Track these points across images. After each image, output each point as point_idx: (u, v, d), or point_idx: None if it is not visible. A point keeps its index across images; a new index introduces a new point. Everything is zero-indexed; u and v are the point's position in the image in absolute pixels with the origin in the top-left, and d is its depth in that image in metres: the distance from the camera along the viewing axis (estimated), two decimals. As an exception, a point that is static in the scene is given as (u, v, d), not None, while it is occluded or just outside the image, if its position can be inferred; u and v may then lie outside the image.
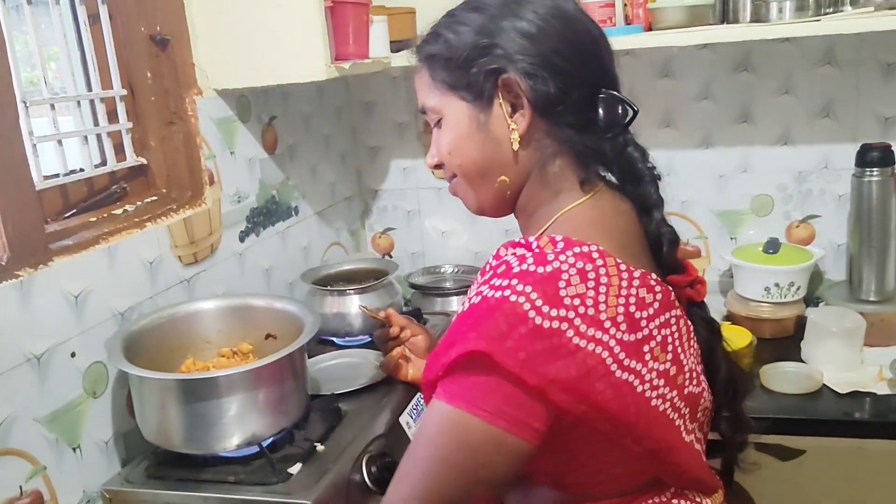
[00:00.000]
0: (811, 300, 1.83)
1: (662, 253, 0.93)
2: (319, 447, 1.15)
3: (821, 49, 1.75)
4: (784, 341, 1.69)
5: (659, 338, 0.85)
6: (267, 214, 1.67)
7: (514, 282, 0.79)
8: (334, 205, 1.99)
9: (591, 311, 0.79)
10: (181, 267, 1.39)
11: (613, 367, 0.80)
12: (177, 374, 1.20)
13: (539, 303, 0.77)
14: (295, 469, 1.10)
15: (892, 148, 1.62)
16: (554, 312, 0.77)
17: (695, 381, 0.91)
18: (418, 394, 1.34)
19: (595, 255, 0.83)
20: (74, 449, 1.14)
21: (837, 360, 1.53)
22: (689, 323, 0.93)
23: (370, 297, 1.58)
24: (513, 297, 0.78)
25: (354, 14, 1.50)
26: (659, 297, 0.86)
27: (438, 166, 0.98)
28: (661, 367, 0.85)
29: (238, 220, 1.57)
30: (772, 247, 1.76)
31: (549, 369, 0.77)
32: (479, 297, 0.80)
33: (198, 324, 1.31)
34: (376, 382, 1.34)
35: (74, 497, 1.13)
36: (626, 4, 1.70)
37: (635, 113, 0.92)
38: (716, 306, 1.01)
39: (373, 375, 1.37)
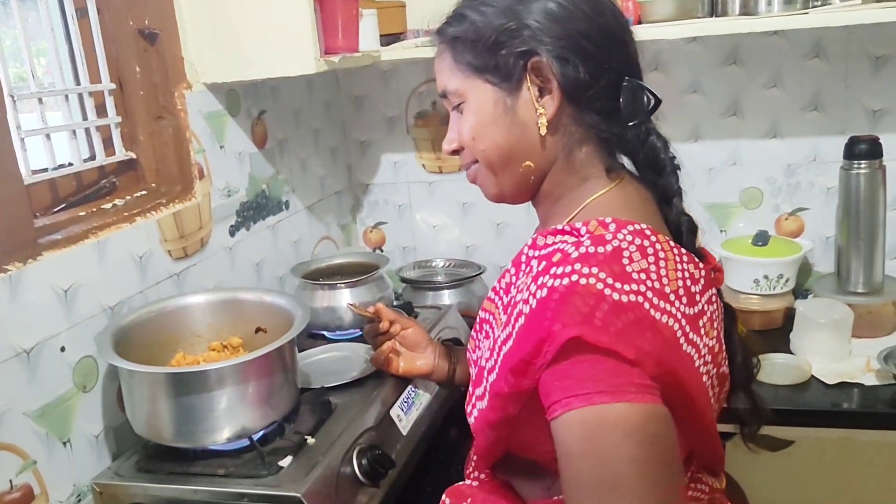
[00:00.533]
0: (800, 292, 1.84)
1: (682, 241, 0.92)
2: (310, 440, 1.15)
3: (809, 42, 1.75)
4: (773, 333, 1.70)
5: (708, 313, 0.86)
6: (257, 209, 1.67)
7: (578, 266, 0.78)
8: (325, 199, 1.99)
9: (657, 285, 0.79)
10: (171, 261, 1.39)
11: (682, 340, 0.80)
12: (167, 368, 1.20)
13: (610, 280, 0.77)
14: (285, 462, 1.10)
15: (880, 140, 1.62)
16: (627, 287, 0.77)
17: (726, 363, 0.92)
18: (409, 386, 1.34)
19: (648, 231, 0.83)
20: (65, 443, 1.14)
21: (826, 352, 1.54)
22: (722, 304, 0.94)
23: (360, 291, 1.58)
24: (582, 280, 0.77)
25: (344, 7, 1.50)
26: (703, 273, 0.87)
27: (456, 152, 0.96)
28: (710, 344, 0.85)
29: (228, 214, 1.57)
30: (761, 239, 1.76)
31: (640, 342, 0.76)
32: (546, 290, 0.78)
33: (188, 318, 1.30)
34: (367, 376, 1.35)
35: (65, 491, 1.14)
36: (615, -2, 1.70)
37: (658, 102, 0.91)
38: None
39: (363, 369, 1.37)
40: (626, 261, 0.79)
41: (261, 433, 1.15)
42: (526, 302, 0.82)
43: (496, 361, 0.88)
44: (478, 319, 1.01)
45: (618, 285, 0.77)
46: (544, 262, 0.82)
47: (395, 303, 1.67)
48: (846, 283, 1.69)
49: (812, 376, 1.51)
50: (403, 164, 2.10)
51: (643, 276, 0.79)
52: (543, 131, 0.88)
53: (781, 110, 1.81)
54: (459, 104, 0.93)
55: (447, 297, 1.85)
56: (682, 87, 1.85)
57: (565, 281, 0.77)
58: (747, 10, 1.57)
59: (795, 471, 1.72)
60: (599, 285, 0.76)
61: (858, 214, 1.64)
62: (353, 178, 2.14)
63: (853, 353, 1.56)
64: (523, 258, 0.91)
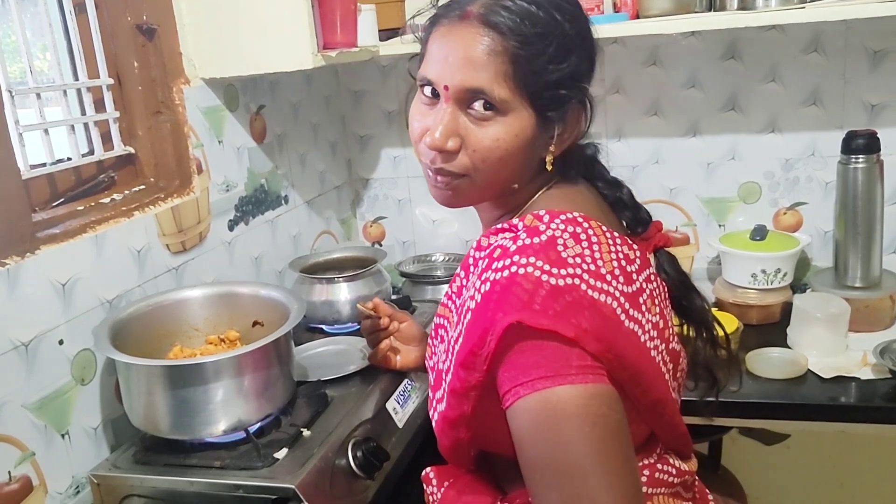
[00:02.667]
0: (798, 286, 1.84)
1: (627, 206, 0.97)
2: (305, 432, 1.16)
3: (807, 37, 1.75)
4: (770, 327, 1.70)
5: (647, 291, 0.88)
6: (256, 203, 1.68)
7: (516, 258, 0.81)
8: (324, 193, 1.99)
9: (592, 267, 0.82)
10: (169, 255, 1.40)
11: (622, 316, 0.83)
12: (164, 361, 1.21)
13: (547, 267, 0.79)
14: (281, 454, 1.11)
15: (878, 135, 1.62)
16: (563, 272, 0.80)
17: (675, 339, 0.94)
18: (405, 380, 1.35)
19: (580, 219, 0.86)
20: (63, 435, 1.15)
21: (822, 346, 1.55)
22: (664, 283, 0.96)
23: (358, 285, 1.59)
24: (521, 270, 0.79)
25: (342, 2, 1.50)
26: (638, 254, 0.90)
27: (447, 151, 0.87)
28: (654, 320, 0.87)
29: (227, 208, 1.58)
30: (759, 234, 1.76)
31: (579, 320, 0.78)
32: (488, 284, 0.81)
33: (185, 311, 1.31)
34: (364, 369, 1.35)
35: (63, 483, 1.15)
36: (613, -8, 1.71)
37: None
38: (704, 293, 1.03)
39: (360, 362, 1.38)
40: (560, 248, 0.82)
41: (257, 425, 1.16)
42: (472, 298, 0.84)
43: (451, 362, 0.89)
44: (433, 326, 1.02)
45: (554, 271, 0.79)
46: (486, 260, 0.85)
47: (392, 297, 1.68)
48: (844, 278, 1.69)
49: (808, 370, 1.51)
50: (403, 158, 2.10)
51: (578, 259, 0.82)
52: (549, 167, 0.91)
53: (780, 105, 1.81)
54: (493, 114, 0.85)
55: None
56: (681, 82, 1.85)
57: (505, 273, 0.80)
58: (745, 4, 1.57)
59: (792, 464, 1.73)
60: (537, 273, 0.79)
61: (856, 209, 1.64)
62: (352, 173, 2.15)
63: (850, 348, 1.56)
64: (471, 260, 0.92)
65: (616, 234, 0.88)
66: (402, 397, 1.32)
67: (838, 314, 1.55)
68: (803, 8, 1.48)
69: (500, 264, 0.81)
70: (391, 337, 1.31)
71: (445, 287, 1.84)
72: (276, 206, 1.76)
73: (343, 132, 2.10)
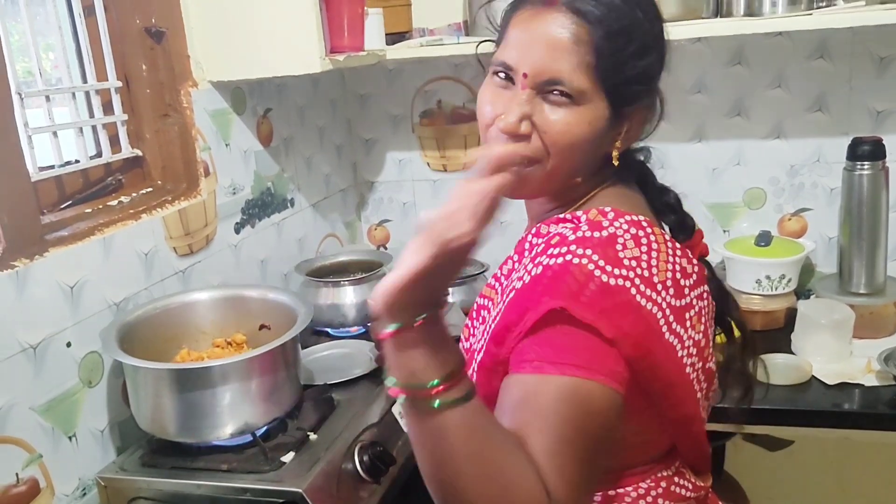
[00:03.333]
0: (802, 293, 1.84)
1: (675, 211, 0.97)
2: (312, 436, 1.17)
3: (813, 43, 1.75)
4: (774, 333, 1.70)
5: (697, 308, 0.88)
6: (262, 206, 1.68)
7: (574, 247, 0.81)
8: (329, 197, 2.00)
9: (646, 273, 0.82)
10: (176, 258, 1.40)
11: (664, 328, 0.83)
12: (171, 364, 1.21)
13: (602, 263, 0.80)
14: (287, 458, 1.11)
15: (883, 142, 1.62)
16: (617, 272, 0.80)
17: (712, 359, 0.94)
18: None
19: (644, 223, 0.86)
20: (70, 437, 1.15)
21: (827, 352, 1.55)
22: (714, 302, 0.95)
23: (364, 288, 1.59)
24: (575, 260, 0.80)
25: (349, 6, 1.51)
26: (696, 269, 0.89)
27: (520, 134, 0.85)
28: (696, 337, 0.87)
29: (233, 211, 1.58)
30: (763, 239, 1.77)
31: (622, 322, 0.78)
32: (541, 267, 0.82)
33: (192, 314, 1.32)
34: (370, 372, 1.36)
35: (70, 485, 1.15)
36: (620, -2, 1.71)
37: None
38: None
39: (366, 366, 1.38)
40: (619, 247, 0.82)
41: (263, 429, 1.16)
42: (520, 279, 0.85)
43: (484, 340, 0.90)
44: (474, 307, 1.02)
45: (608, 268, 0.80)
46: (543, 245, 0.86)
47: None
48: (848, 284, 1.69)
49: (812, 377, 1.51)
50: (408, 162, 2.10)
51: (633, 263, 0.82)
52: (616, 162, 0.91)
53: (785, 111, 1.82)
54: (569, 101, 0.84)
55: (449, 295, 1.86)
56: (687, 87, 1.86)
57: (559, 260, 0.81)
58: (752, 10, 1.57)
59: (795, 471, 1.73)
60: (591, 266, 0.79)
61: (861, 215, 1.64)
62: (358, 176, 2.15)
63: (854, 354, 1.56)
64: (526, 245, 0.93)
65: (678, 245, 0.88)
66: (407, 401, 1.32)
67: (843, 320, 1.55)
68: (810, 15, 1.48)
69: (556, 251, 0.82)
70: None
71: (449, 290, 1.86)
72: (281, 209, 1.76)
73: (349, 135, 2.11)
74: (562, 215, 0.91)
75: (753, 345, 1.05)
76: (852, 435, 1.48)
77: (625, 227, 0.85)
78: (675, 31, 1.50)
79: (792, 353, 1.59)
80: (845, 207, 1.67)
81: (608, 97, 0.85)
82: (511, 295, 0.85)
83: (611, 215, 0.86)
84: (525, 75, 0.84)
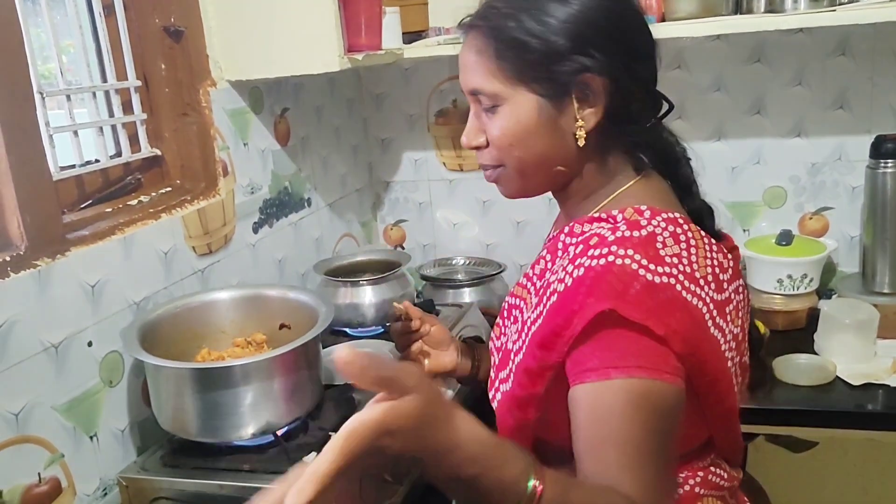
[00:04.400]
0: (824, 292, 1.82)
1: (703, 224, 0.95)
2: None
3: (835, 40, 1.74)
4: (797, 333, 1.68)
5: (734, 302, 0.89)
6: (280, 206, 1.68)
7: (615, 248, 0.82)
8: (346, 196, 1.99)
9: (688, 269, 0.83)
10: (195, 257, 1.40)
11: (709, 322, 0.84)
12: (193, 364, 1.21)
13: (644, 262, 0.80)
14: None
15: (907, 139, 1.61)
16: (660, 269, 0.81)
17: (747, 353, 0.95)
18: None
19: (681, 220, 0.87)
20: (91, 437, 1.15)
21: (850, 352, 1.53)
22: (749, 295, 0.96)
23: (383, 288, 1.58)
24: (618, 261, 0.80)
25: (367, 5, 1.50)
26: (731, 264, 0.90)
27: (477, 147, 0.95)
28: (735, 331, 0.88)
29: (251, 211, 1.58)
30: (784, 238, 1.75)
31: (670, 320, 0.79)
32: (582, 269, 0.82)
33: (212, 314, 1.31)
34: (389, 373, 1.35)
35: (91, 484, 1.15)
36: (638, -5, 1.70)
37: (671, 107, 0.97)
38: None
39: (386, 366, 1.37)
40: (659, 245, 0.83)
41: (285, 429, 1.16)
42: (561, 281, 0.85)
43: (524, 342, 0.90)
44: (506, 306, 1.03)
45: (651, 266, 0.80)
46: (581, 246, 0.86)
47: (416, 301, 1.67)
48: (871, 283, 1.67)
49: (836, 377, 1.49)
50: (424, 161, 2.10)
51: (675, 259, 0.83)
52: (582, 143, 0.90)
53: (806, 109, 1.80)
54: (494, 106, 0.91)
55: (468, 295, 1.85)
56: (706, 85, 1.84)
57: (602, 261, 0.81)
58: (773, 7, 1.55)
59: (819, 472, 1.71)
60: (634, 265, 0.80)
61: (885, 214, 1.62)
62: (373, 176, 2.14)
63: (878, 354, 1.55)
64: (560, 245, 0.93)
65: (713, 240, 0.89)
66: (428, 401, 1.31)
67: (867, 320, 1.53)
68: (833, 11, 1.46)
69: (598, 252, 0.82)
70: (421, 340, 1.30)
71: (467, 290, 1.86)
72: (299, 209, 1.76)
73: (365, 135, 2.10)
74: (595, 213, 0.92)
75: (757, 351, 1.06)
76: (877, 436, 1.46)
77: (663, 224, 0.85)
78: (693, 29, 1.53)
79: (815, 353, 1.58)
80: (869, 206, 1.65)
81: (529, 87, 0.88)
82: (553, 298, 0.85)
83: (647, 213, 0.87)
84: (465, 93, 0.94)
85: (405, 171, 2.12)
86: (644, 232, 0.84)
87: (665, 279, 0.80)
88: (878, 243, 1.64)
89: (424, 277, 1.94)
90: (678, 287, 0.81)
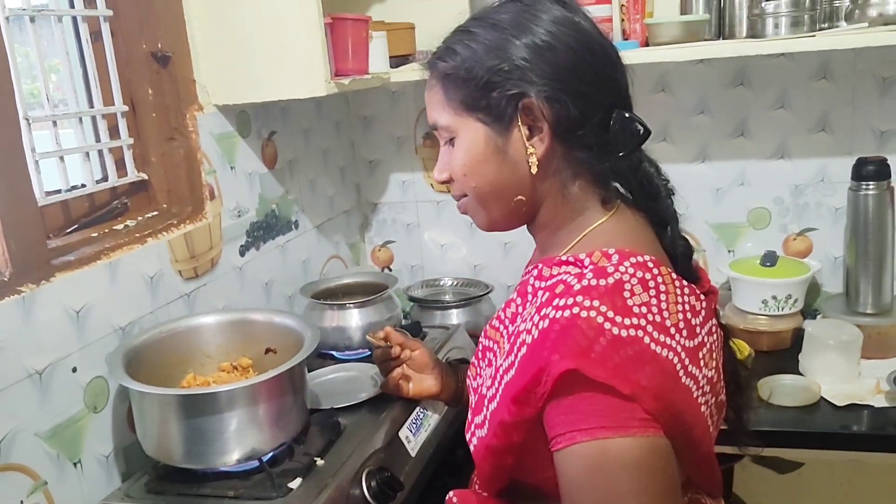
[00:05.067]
0: (809, 313, 1.84)
1: (678, 265, 0.93)
2: (319, 461, 1.16)
3: (816, 64, 1.76)
4: (782, 354, 1.69)
5: (708, 345, 0.87)
6: (267, 228, 1.68)
7: (580, 298, 0.79)
8: (333, 218, 2.00)
9: (658, 318, 0.80)
10: (182, 281, 1.40)
11: (681, 373, 0.81)
12: (177, 390, 1.20)
13: (611, 314, 0.78)
14: (295, 484, 1.10)
15: (888, 161, 1.63)
16: (627, 321, 0.78)
17: (723, 392, 0.93)
18: (417, 408, 1.34)
19: (650, 264, 0.84)
20: (75, 464, 1.14)
21: (835, 373, 1.54)
22: (722, 332, 0.94)
23: (369, 311, 1.58)
24: (583, 313, 0.78)
25: (354, 30, 1.52)
26: (704, 304, 0.88)
27: (447, 181, 0.97)
28: (709, 374, 0.86)
29: (238, 234, 1.58)
30: (769, 259, 1.76)
31: (639, 376, 0.77)
32: (548, 321, 0.80)
33: (198, 338, 1.31)
34: (376, 396, 1.35)
35: (75, 512, 1.14)
36: (623, 19, 1.72)
37: (648, 133, 0.91)
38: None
39: (372, 389, 1.37)
40: (627, 294, 0.80)
41: (270, 455, 1.15)
42: (529, 332, 0.83)
43: (497, 390, 0.89)
44: (480, 347, 1.02)
45: (618, 319, 0.78)
46: (548, 293, 0.84)
47: (403, 323, 1.67)
48: (855, 304, 1.69)
49: (821, 398, 1.50)
50: (411, 183, 2.11)
51: (644, 309, 0.80)
52: (535, 170, 0.89)
53: (789, 131, 1.82)
54: (451, 139, 0.93)
55: (455, 317, 1.86)
56: (689, 109, 1.86)
57: (567, 313, 0.79)
58: (754, 32, 1.58)
59: (805, 493, 1.72)
60: (600, 318, 0.78)
61: (867, 235, 1.64)
62: (361, 198, 2.15)
63: (862, 375, 1.56)
64: (529, 288, 0.92)
65: (685, 283, 0.87)
66: (414, 425, 1.31)
67: (851, 341, 1.55)
68: (813, 37, 1.49)
69: (563, 302, 0.80)
70: (403, 365, 1.31)
71: (454, 311, 1.87)
72: (286, 231, 1.76)
73: (352, 157, 2.11)
74: (563, 256, 0.89)
75: (741, 389, 1.03)
76: (862, 457, 1.47)
77: (631, 270, 0.83)
78: (676, 53, 1.55)
79: (800, 373, 1.59)
80: (851, 227, 1.67)
81: (476, 117, 0.90)
82: (523, 350, 0.83)
83: (615, 258, 0.84)
84: (433, 130, 0.97)
85: (393, 193, 2.13)
86: (611, 280, 0.81)
87: (633, 332, 0.78)
88: (861, 264, 1.66)
89: (412, 299, 1.94)
90: (646, 339, 0.78)
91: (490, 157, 0.90)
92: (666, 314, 0.81)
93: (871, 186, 1.62)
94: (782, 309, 1.71)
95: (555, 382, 0.78)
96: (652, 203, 0.95)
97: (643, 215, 0.95)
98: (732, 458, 1.64)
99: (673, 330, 0.81)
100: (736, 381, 1.02)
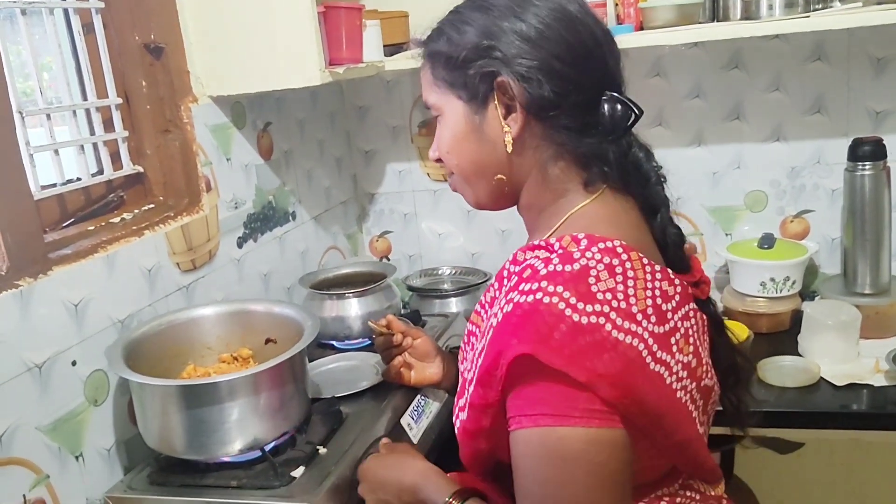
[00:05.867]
0: (807, 294, 1.84)
1: (669, 253, 0.93)
2: (321, 450, 1.16)
3: (811, 45, 1.76)
4: (780, 335, 1.70)
5: (682, 330, 0.86)
6: (264, 220, 1.68)
7: (545, 283, 0.79)
8: (331, 209, 1.99)
9: (623, 305, 0.80)
10: (180, 274, 1.39)
11: (648, 359, 0.81)
12: (178, 381, 1.20)
13: (573, 300, 0.78)
14: (297, 472, 1.10)
15: (884, 142, 1.63)
16: (589, 308, 0.78)
17: (709, 374, 0.92)
18: (419, 395, 1.35)
19: (619, 249, 0.84)
20: (77, 457, 1.14)
21: (834, 353, 1.54)
22: (704, 316, 0.93)
23: (369, 300, 1.58)
24: (546, 299, 0.78)
25: (348, 19, 1.51)
26: (679, 290, 0.87)
27: (438, 160, 0.99)
28: (685, 360, 0.85)
29: (235, 226, 1.58)
30: (766, 242, 1.77)
31: (596, 364, 0.77)
32: (511, 305, 0.81)
33: (197, 330, 1.31)
34: (377, 385, 1.35)
35: (78, 505, 1.14)
36: (617, 4, 1.71)
37: (638, 115, 0.90)
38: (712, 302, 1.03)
39: (373, 378, 1.37)
40: (592, 280, 0.80)
41: (272, 444, 1.15)
42: (495, 315, 0.84)
43: (474, 374, 0.90)
44: (466, 332, 1.03)
45: (580, 306, 0.78)
46: (516, 278, 0.85)
47: (402, 311, 1.67)
48: (853, 285, 1.69)
49: (821, 378, 1.51)
50: (408, 172, 2.10)
51: (609, 296, 0.80)
52: (510, 149, 0.90)
53: (784, 113, 1.82)
54: (438, 117, 0.96)
55: (454, 305, 1.86)
56: (684, 92, 1.86)
57: (530, 298, 0.79)
58: (749, 14, 1.57)
59: (805, 472, 1.72)
60: (562, 305, 0.78)
61: (864, 216, 1.64)
62: (358, 188, 2.15)
63: (861, 355, 1.56)
64: (505, 273, 0.92)
65: (658, 267, 0.86)
66: (416, 412, 1.32)
67: (849, 321, 1.55)
68: (807, 17, 1.49)
69: (528, 287, 0.80)
70: (405, 353, 1.31)
71: (453, 300, 1.87)
72: (283, 223, 1.76)
73: (348, 147, 2.11)
74: (537, 241, 0.89)
75: (742, 381, 1.04)
76: (862, 436, 1.47)
77: (598, 256, 0.82)
78: (671, 37, 1.54)
79: (799, 355, 1.59)
80: (848, 208, 1.67)
81: (457, 95, 0.92)
82: (490, 334, 0.84)
83: (584, 243, 0.84)
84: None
85: (390, 183, 2.13)
86: (577, 266, 0.80)
87: (594, 319, 0.78)
88: (858, 245, 1.66)
89: (411, 288, 1.94)
90: (608, 327, 0.78)
91: (469, 136, 0.93)
92: (633, 300, 0.81)
93: (867, 167, 1.62)
94: (780, 291, 1.71)
95: (509, 366, 0.79)
96: (641, 189, 0.94)
97: (633, 201, 0.94)
98: (733, 440, 1.65)
99: (640, 316, 0.81)
100: (735, 373, 1.02)
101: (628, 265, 0.83)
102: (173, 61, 1.40)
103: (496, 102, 0.89)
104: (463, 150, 0.94)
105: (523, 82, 0.86)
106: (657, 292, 0.84)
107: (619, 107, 0.89)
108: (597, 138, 0.90)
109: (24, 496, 1.05)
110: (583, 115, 0.89)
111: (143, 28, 1.37)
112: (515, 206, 0.99)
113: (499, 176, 0.93)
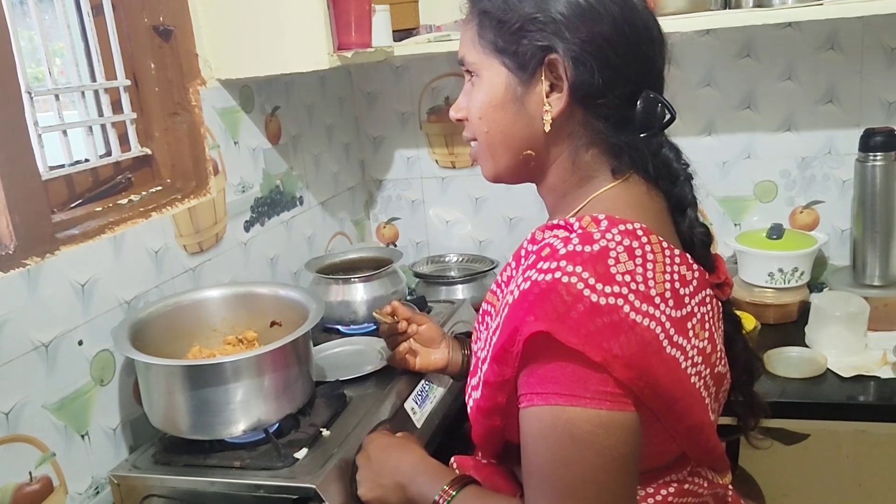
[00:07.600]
0: (815, 285, 1.83)
1: (695, 252, 0.91)
2: (325, 432, 1.16)
3: (823, 34, 1.74)
4: (788, 326, 1.69)
5: (699, 315, 0.86)
6: (271, 204, 1.68)
7: (563, 263, 0.79)
8: (338, 195, 1.99)
9: (641, 287, 0.79)
10: (186, 256, 1.40)
11: (665, 343, 0.80)
12: (183, 361, 1.21)
13: (592, 281, 0.77)
14: (301, 454, 1.11)
15: (896, 132, 1.61)
16: (608, 289, 0.77)
17: (723, 362, 0.92)
18: (423, 380, 1.35)
19: (639, 231, 0.83)
20: (83, 436, 1.15)
21: (841, 345, 1.54)
22: (719, 303, 0.93)
23: (374, 285, 1.58)
24: (564, 279, 0.77)
25: (357, 3, 1.50)
26: (696, 275, 0.87)
27: (461, 121, 0.96)
28: (701, 345, 0.85)
29: (243, 209, 1.58)
30: (775, 232, 1.76)
31: (612, 345, 0.76)
32: (529, 283, 0.80)
33: (203, 312, 1.31)
34: (381, 369, 1.35)
35: (83, 483, 1.15)
36: (628, -9, 1.70)
37: (673, 117, 0.90)
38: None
39: (378, 362, 1.38)
40: (611, 261, 0.79)
41: (276, 425, 1.16)
42: (512, 293, 0.84)
43: (488, 352, 0.90)
44: (480, 311, 1.03)
45: (598, 286, 0.77)
46: (534, 256, 0.84)
47: (408, 297, 1.67)
48: (862, 276, 1.68)
49: (828, 369, 1.50)
50: (416, 159, 2.10)
51: (627, 277, 0.79)
52: (547, 128, 0.88)
53: (796, 103, 1.80)
54: (471, 76, 0.93)
55: (460, 292, 1.86)
56: (696, 81, 1.85)
57: (548, 277, 0.79)
58: (761, 2, 1.56)
59: (811, 464, 1.72)
60: (580, 285, 0.77)
61: (874, 207, 1.63)
62: (366, 174, 2.15)
63: (869, 346, 1.55)
64: (523, 252, 0.92)
65: (677, 251, 0.86)
66: (419, 397, 1.32)
67: (857, 313, 1.54)
68: (821, 4, 1.47)
69: (546, 265, 0.80)
70: (410, 339, 1.31)
71: (459, 287, 1.87)
72: (291, 207, 1.76)
73: (356, 133, 2.11)
74: (556, 220, 0.89)
75: (754, 379, 1.04)
76: (868, 428, 1.47)
77: (618, 238, 0.81)
78: (682, 24, 1.53)
79: (806, 346, 1.59)
80: (858, 199, 1.66)
81: (502, 60, 0.89)
82: (506, 311, 0.84)
83: (604, 224, 0.83)
84: (459, 65, 0.96)
85: (397, 169, 2.13)
86: (596, 247, 0.80)
87: (612, 300, 0.77)
88: (868, 236, 1.65)
89: (417, 275, 1.95)
90: (626, 308, 0.78)
91: (507, 105, 0.90)
92: (651, 283, 0.80)
93: (878, 158, 1.61)
94: (789, 282, 1.71)
95: (525, 342, 0.79)
96: (670, 186, 0.93)
97: (661, 195, 0.93)
98: (738, 430, 1.64)
99: (658, 300, 0.80)
100: (749, 373, 1.02)
101: (648, 248, 0.82)
102: (182, 44, 1.40)
103: (542, 78, 0.87)
104: (496, 118, 0.91)
105: (576, 64, 0.85)
106: (676, 276, 0.84)
107: (655, 106, 0.89)
108: (631, 134, 0.89)
109: (30, 473, 1.07)
110: (623, 109, 0.88)
111: (152, 10, 1.37)
112: (535, 187, 0.97)
113: (528, 151, 0.91)
